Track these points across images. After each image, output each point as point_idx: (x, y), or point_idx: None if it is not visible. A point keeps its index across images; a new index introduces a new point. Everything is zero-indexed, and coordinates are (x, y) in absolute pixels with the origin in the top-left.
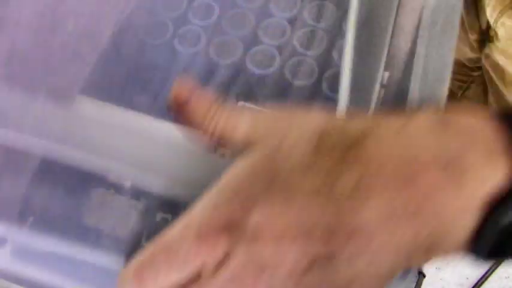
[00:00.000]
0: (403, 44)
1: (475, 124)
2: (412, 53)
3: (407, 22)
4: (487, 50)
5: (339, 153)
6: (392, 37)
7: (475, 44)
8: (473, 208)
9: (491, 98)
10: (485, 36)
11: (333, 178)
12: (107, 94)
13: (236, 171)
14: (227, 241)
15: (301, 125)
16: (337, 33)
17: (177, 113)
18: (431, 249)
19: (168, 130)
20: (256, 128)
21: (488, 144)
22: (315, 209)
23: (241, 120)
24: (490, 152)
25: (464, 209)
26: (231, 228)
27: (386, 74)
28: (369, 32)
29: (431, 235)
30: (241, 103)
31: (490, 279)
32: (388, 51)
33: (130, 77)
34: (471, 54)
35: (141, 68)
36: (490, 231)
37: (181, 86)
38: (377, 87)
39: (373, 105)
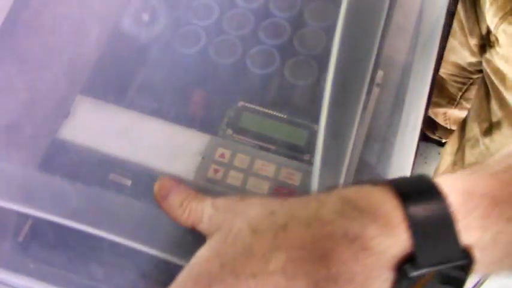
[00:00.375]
0: (402, 44)
1: (375, 201)
2: (412, 53)
3: (406, 22)
4: (487, 55)
5: (271, 237)
6: (389, 37)
7: (475, 49)
8: (383, 269)
9: (493, 102)
10: (486, 41)
11: (267, 259)
12: (107, 94)
13: (200, 255)
14: None
15: (244, 215)
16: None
17: (160, 206)
18: None
19: (168, 130)
20: (213, 219)
21: (387, 217)
22: (256, 286)
23: (204, 213)
24: (389, 224)
25: (376, 271)
26: None
27: (381, 72)
28: (358, 30)
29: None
30: (241, 103)
31: (490, 278)
32: (383, 50)
33: (130, 78)
34: (471, 59)
35: (141, 68)
36: (402, 285)
37: (162, 184)
38: (365, 85)
39: (361, 104)
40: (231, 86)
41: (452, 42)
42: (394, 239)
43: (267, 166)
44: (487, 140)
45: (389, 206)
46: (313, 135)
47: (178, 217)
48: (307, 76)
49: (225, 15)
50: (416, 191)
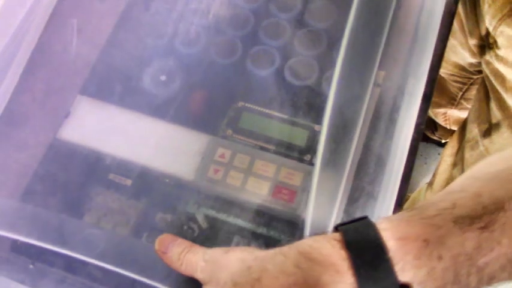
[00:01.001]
0: (402, 44)
1: (325, 253)
2: (411, 53)
3: (407, 21)
4: (487, 57)
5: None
6: (390, 37)
7: (475, 49)
8: None
9: (492, 104)
10: (485, 42)
11: None
12: (106, 94)
13: None
14: None
15: (228, 269)
16: (337, 33)
17: (161, 259)
18: None
19: (168, 130)
20: (204, 271)
21: (336, 266)
22: None
23: (197, 265)
24: (338, 272)
25: None
26: None
27: (382, 73)
28: (365, 32)
29: None
30: (241, 103)
31: None
32: (385, 50)
33: (130, 78)
34: (471, 59)
35: (140, 69)
36: None
37: (161, 240)
38: (370, 87)
39: (365, 105)
40: (231, 86)
41: (453, 42)
42: (343, 284)
43: (267, 166)
44: (486, 142)
45: (338, 256)
46: (313, 135)
47: (178, 268)
48: (307, 76)
49: (226, 15)
50: (360, 241)
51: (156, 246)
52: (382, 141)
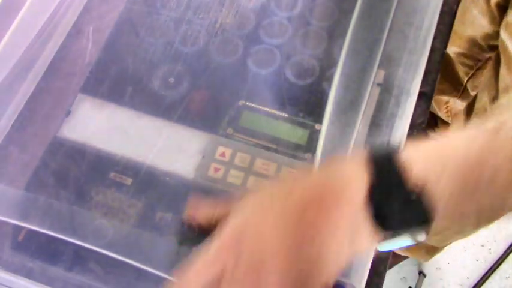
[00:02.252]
0: (402, 43)
1: (346, 163)
2: (411, 52)
3: (407, 21)
4: (509, 17)
5: (289, 185)
6: (390, 36)
7: (495, 11)
8: (358, 206)
9: (503, 69)
10: (508, 3)
11: (287, 197)
12: (107, 93)
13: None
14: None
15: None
16: (337, 32)
17: (192, 216)
18: (354, 239)
19: (168, 129)
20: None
21: (357, 173)
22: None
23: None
24: (357, 176)
25: (354, 207)
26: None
27: (382, 72)
28: (365, 32)
29: (345, 227)
30: (242, 102)
31: (491, 279)
32: (385, 49)
33: (130, 77)
34: (490, 28)
35: (141, 67)
36: (373, 218)
37: (193, 201)
38: (369, 86)
39: (364, 103)
40: (232, 85)
41: (474, 12)
42: (360, 184)
43: (268, 165)
44: (494, 106)
45: (359, 165)
46: (314, 134)
47: (207, 221)
48: (308, 75)
49: (226, 14)
50: (379, 153)
51: (189, 205)
52: (382, 141)
